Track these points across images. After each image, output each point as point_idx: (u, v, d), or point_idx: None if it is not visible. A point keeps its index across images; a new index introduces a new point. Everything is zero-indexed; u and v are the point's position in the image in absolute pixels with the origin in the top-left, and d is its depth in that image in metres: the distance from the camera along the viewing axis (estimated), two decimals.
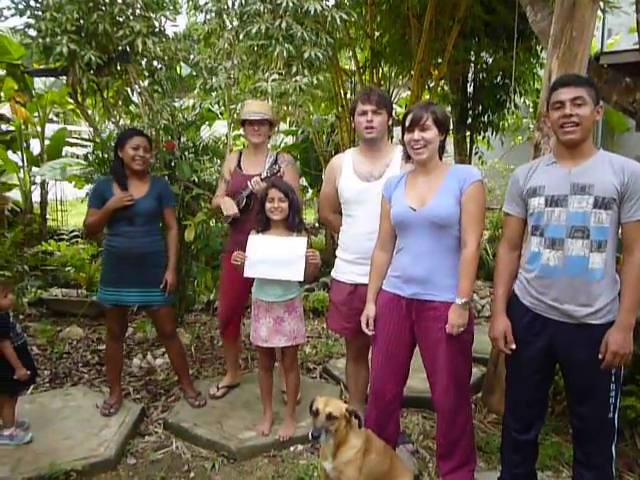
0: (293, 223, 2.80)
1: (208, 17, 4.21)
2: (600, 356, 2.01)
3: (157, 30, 3.97)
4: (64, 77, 3.98)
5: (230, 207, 3.14)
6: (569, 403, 2.24)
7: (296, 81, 3.77)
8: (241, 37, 3.91)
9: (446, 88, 7.68)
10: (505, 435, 2.39)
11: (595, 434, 2.14)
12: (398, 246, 2.45)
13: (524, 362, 2.21)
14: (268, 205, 2.76)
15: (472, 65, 7.37)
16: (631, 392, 2.80)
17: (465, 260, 2.29)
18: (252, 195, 3.12)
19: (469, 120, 7.62)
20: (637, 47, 3.57)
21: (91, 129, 5.09)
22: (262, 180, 3.06)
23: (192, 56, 4.30)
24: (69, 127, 10.10)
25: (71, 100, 5.48)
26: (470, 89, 7.62)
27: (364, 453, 2.21)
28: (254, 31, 3.79)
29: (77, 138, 8.59)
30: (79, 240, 6.68)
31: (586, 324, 2.05)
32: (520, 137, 9.20)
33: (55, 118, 11.11)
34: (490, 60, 7.22)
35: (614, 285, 2.06)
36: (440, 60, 6.25)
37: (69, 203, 9.76)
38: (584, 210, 2.02)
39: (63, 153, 8.19)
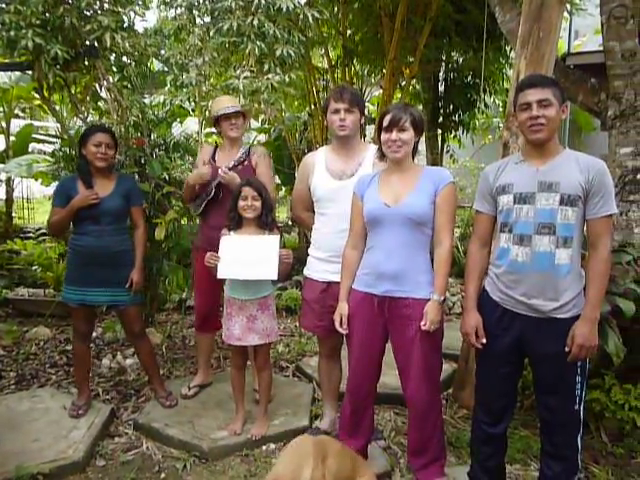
0: (265, 221, 2.80)
1: (178, 12, 4.17)
2: (567, 349, 2.06)
3: (126, 25, 3.90)
4: (30, 71, 3.88)
5: (203, 171, 3.11)
6: (537, 395, 2.28)
7: (268, 79, 3.76)
8: (212, 34, 3.87)
9: (418, 87, 7.75)
10: (475, 428, 2.42)
11: (562, 425, 2.19)
12: (368, 244, 2.47)
13: (494, 356, 2.25)
14: (241, 203, 2.75)
15: (443, 64, 7.46)
16: (596, 386, 2.88)
17: (441, 258, 2.33)
18: (221, 185, 3.11)
19: (440, 119, 7.71)
20: (602, 49, 3.65)
21: (58, 125, 4.98)
22: (230, 169, 3.05)
23: (163, 52, 4.24)
24: (36, 123, 9.84)
25: (37, 95, 5.34)
26: (441, 88, 7.71)
27: (321, 462, 2.11)
28: (225, 28, 3.76)
29: (44, 134, 8.38)
30: (46, 239, 6.53)
31: (553, 318, 2.09)
32: (490, 136, 9.34)
33: (21, 114, 10.83)
34: (461, 60, 7.32)
35: (579, 280, 2.11)
36: (412, 59, 6.30)
37: (36, 200, 9.55)
38: (551, 207, 2.06)
39: (29, 149, 7.98)
